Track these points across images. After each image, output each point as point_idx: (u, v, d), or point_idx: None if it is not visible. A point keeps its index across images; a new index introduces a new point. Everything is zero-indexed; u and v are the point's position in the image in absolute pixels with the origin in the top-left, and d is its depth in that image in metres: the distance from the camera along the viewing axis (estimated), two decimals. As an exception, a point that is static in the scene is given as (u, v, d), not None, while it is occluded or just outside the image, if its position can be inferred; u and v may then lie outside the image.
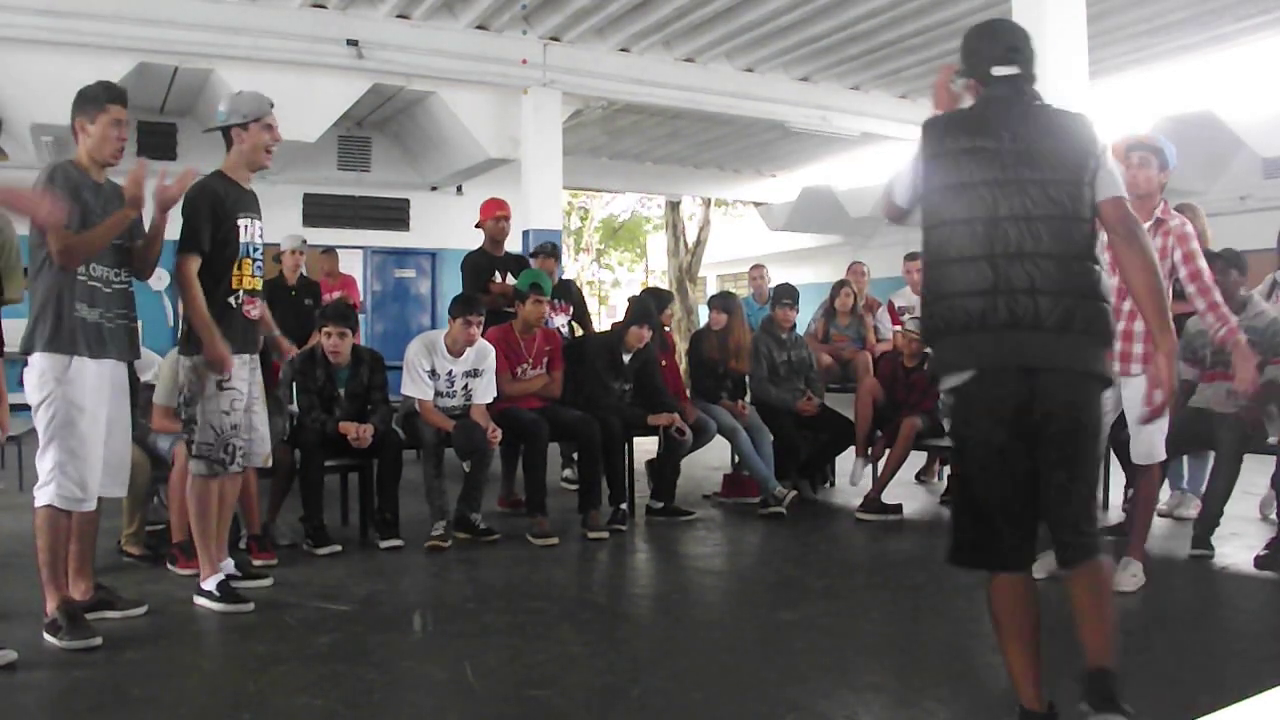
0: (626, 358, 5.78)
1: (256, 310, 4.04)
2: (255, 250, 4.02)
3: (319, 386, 5.06)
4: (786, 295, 6.44)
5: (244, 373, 3.97)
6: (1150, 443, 4.10)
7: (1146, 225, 3.95)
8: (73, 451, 3.39)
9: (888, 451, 5.87)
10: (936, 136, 2.59)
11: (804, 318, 6.58)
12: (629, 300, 6.21)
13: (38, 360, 3.39)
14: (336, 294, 7.74)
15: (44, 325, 3.38)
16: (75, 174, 3.46)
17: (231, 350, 3.88)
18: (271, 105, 4.04)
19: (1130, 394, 4.01)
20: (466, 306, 5.18)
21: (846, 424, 6.30)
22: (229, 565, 4.18)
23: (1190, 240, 4.09)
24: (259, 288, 4.05)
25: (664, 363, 6.03)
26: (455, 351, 5.19)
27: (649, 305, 5.90)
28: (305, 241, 7.63)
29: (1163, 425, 4.00)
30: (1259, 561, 4.39)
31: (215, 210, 3.85)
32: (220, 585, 3.88)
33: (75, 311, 3.40)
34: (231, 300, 3.91)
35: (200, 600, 3.88)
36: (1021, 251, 2.41)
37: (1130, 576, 4.08)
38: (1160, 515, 5.37)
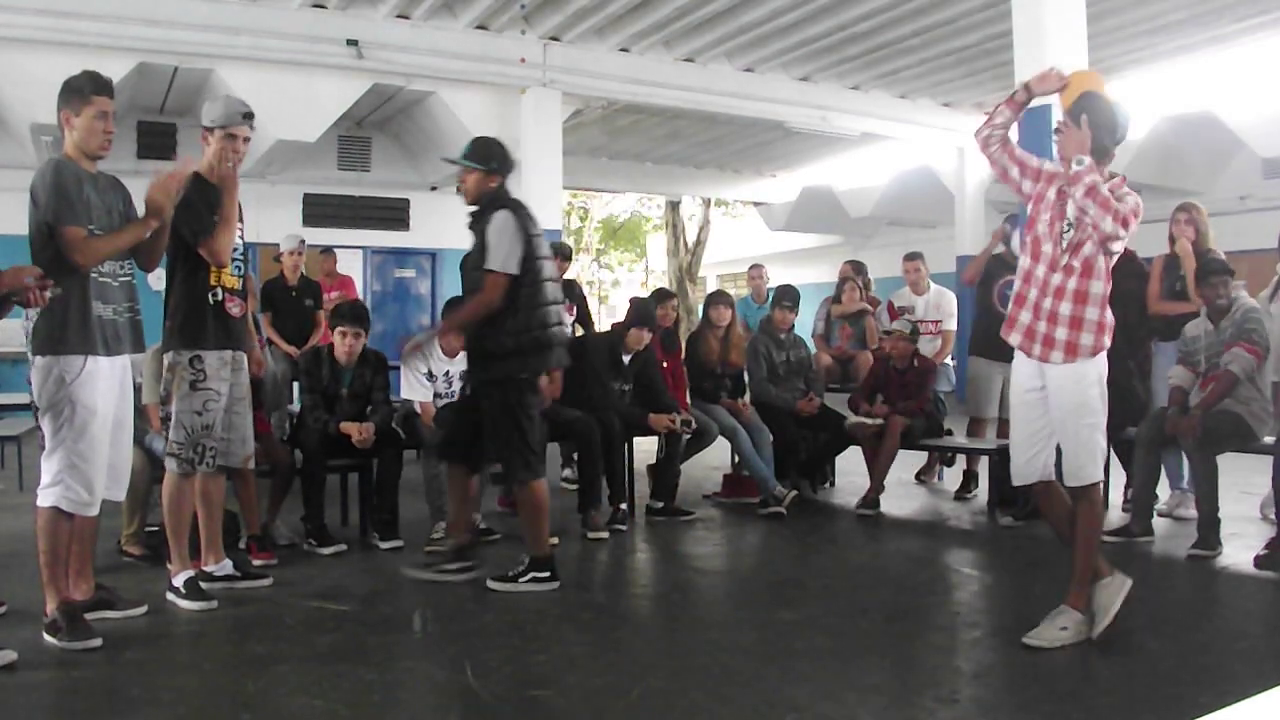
0: (626, 359, 5.78)
1: (238, 308, 4.04)
2: (235, 250, 4.03)
3: (323, 386, 5.06)
4: (787, 297, 6.44)
5: (224, 372, 3.97)
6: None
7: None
8: (82, 455, 3.37)
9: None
10: (527, 223, 4.12)
11: (804, 318, 6.58)
12: (630, 301, 6.21)
13: (48, 363, 3.34)
14: (335, 294, 7.74)
15: (61, 326, 3.33)
16: (74, 168, 3.43)
17: (212, 346, 3.90)
18: (244, 116, 3.99)
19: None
20: None
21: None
22: (227, 565, 4.18)
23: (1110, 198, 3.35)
24: (239, 287, 4.04)
25: (665, 364, 6.02)
26: (451, 352, 5.18)
27: (650, 308, 5.90)
28: (304, 241, 7.62)
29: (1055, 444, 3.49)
30: (1259, 561, 4.39)
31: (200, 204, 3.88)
32: (187, 582, 3.88)
33: (92, 310, 3.38)
34: (210, 296, 3.92)
35: (169, 596, 3.89)
36: (557, 300, 4.23)
37: (1059, 630, 3.38)
38: (1160, 515, 5.37)
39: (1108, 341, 3.44)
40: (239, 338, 4.08)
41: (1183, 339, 5.09)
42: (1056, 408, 3.45)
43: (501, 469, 4.36)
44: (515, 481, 4.19)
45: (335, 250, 8.78)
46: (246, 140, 4.02)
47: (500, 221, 4.02)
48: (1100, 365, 3.46)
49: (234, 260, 4.01)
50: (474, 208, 4.16)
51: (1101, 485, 3.49)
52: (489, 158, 4.14)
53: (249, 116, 4.02)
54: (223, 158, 3.94)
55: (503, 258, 3.99)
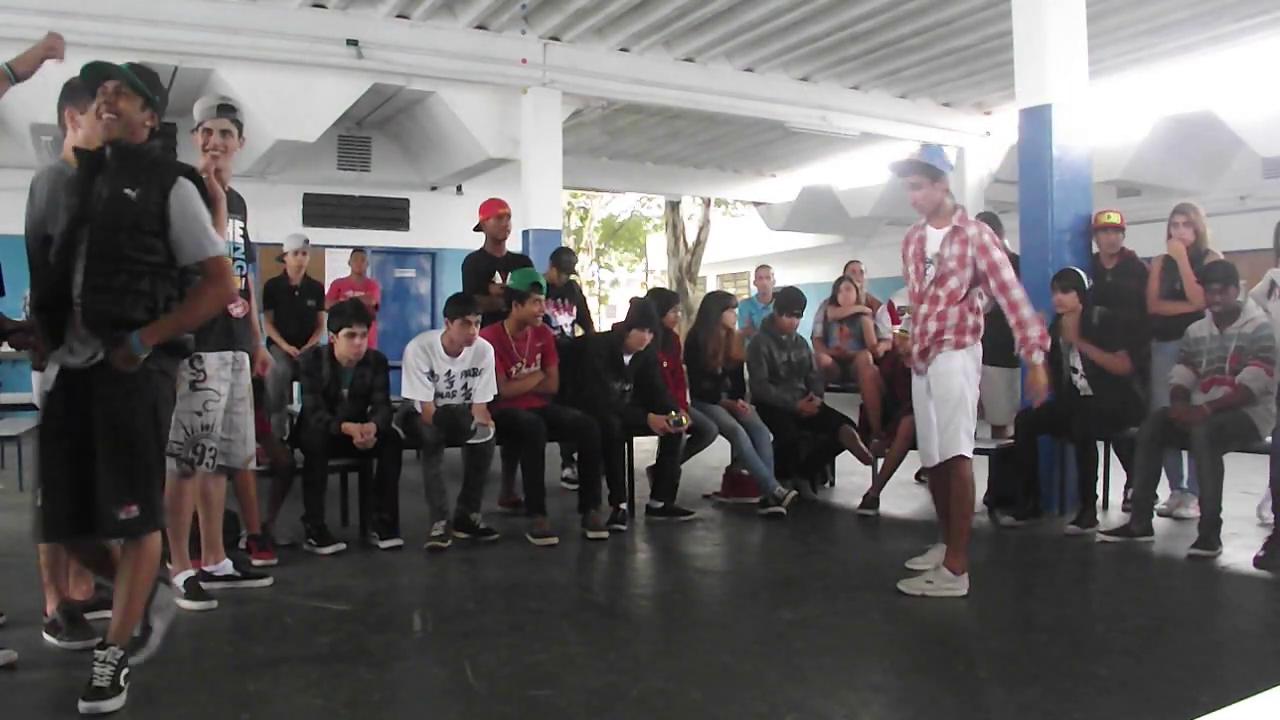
0: (627, 359, 5.78)
1: (239, 309, 4.03)
2: (236, 250, 4.03)
3: (324, 386, 5.06)
4: (796, 305, 6.38)
5: (224, 373, 3.97)
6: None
7: (943, 232, 4.07)
8: None
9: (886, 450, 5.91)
10: None
11: (804, 318, 6.57)
12: (630, 302, 6.21)
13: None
14: (358, 293, 7.76)
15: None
16: (66, 170, 3.41)
17: (212, 347, 3.89)
18: (220, 111, 4.01)
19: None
20: (464, 306, 5.19)
21: (847, 423, 6.31)
22: (227, 565, 4.18)
23: (992, 251, 4.02)
24: (240, 287, 4.03)
25: (666, 364, 6.02)
26: (453, 351, 5.19)
27: (650, 309, 5.89)
28: (308, 241, 7.62)
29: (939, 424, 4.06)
30: (1258, 561, 4.39)
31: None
32: (187, 582, 3.88)
33: None
34: None
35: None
36: None
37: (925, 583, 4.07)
38: (1160, 515, 5.37)
39: (968, 340, 4.05)
40: (240, 338, 4.08)
41: (1185, 339, 5.08)
42: (933, 392, 4.08)
43: (125, 515, 2.83)
44: (146, 531, 2.89)
45: (334, 250, 8.81)
46: (225, 133, 4.00)
47: (192, 192, 2.97)
48: (968, 359, 4.05)
49: (235, 259, 4.01)
50: (119, 148, 2.98)
51: (968, 462, 4.06)
52: (155, 89, 3.11)
53: (225, 109, 4.03)
54: (203, 148, 3.99)
55: (215, 235, 3.06)
